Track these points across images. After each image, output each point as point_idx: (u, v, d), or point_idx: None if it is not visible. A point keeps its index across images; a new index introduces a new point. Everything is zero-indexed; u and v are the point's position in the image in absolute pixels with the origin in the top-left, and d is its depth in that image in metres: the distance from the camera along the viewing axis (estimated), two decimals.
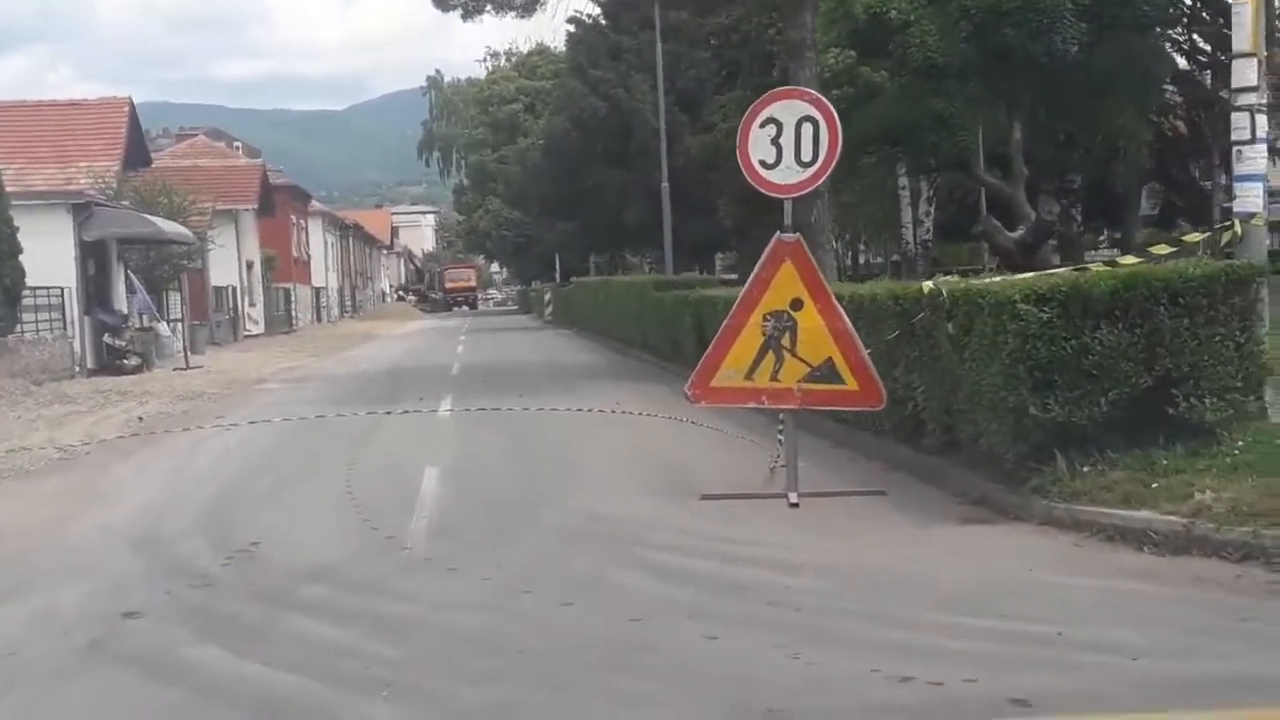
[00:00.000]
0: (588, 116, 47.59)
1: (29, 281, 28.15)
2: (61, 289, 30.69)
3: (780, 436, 11.22)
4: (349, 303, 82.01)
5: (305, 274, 66.50)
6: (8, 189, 32.88)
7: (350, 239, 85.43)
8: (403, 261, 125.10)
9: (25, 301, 28.40)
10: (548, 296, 59.49)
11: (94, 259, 33.22)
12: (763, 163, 10.81)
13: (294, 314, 60.93)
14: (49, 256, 29.46)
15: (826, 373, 10.64)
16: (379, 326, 62.69)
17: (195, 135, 63.58)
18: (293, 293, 61.21)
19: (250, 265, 52.46)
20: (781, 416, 11.02)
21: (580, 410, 18.06)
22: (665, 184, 35.87)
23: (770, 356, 10.73)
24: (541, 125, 51.92)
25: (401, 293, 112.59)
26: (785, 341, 10.70)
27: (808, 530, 9.38)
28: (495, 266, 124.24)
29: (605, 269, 66.87)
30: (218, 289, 47.00)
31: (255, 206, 51.09)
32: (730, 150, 33.04)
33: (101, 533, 10.30)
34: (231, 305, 48.82)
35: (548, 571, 8.42)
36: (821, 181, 10.96)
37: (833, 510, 10.12)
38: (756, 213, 40.75)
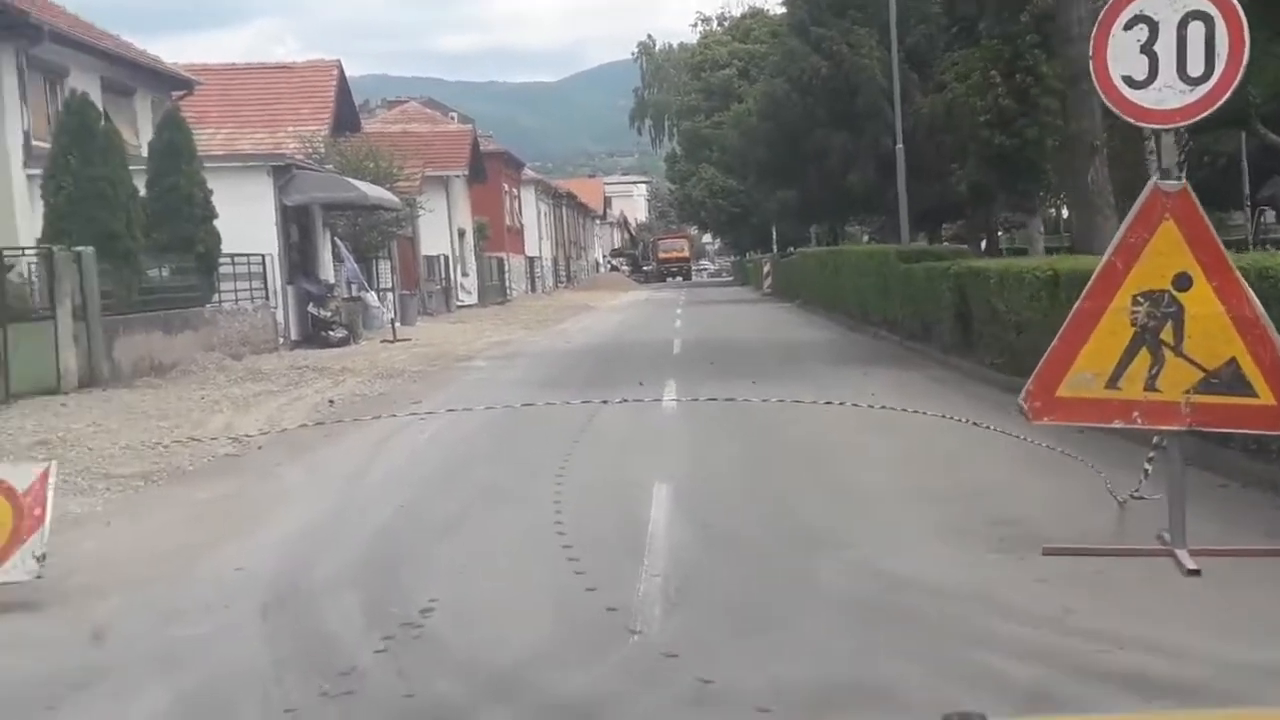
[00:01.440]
0: (809, 77, 44.22)
1: (229, 249, 26.21)
2: (263, 256, 28.77)
3: (1148, 465, 7.97)
4: (563, 273, 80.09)
5: (518, 243, 64.57)
6: (218, 152, 31.20)
7: (564, 208, 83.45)
8: (616, 231, 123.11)
9: (224, 269, 26.47)
10: (766, 268, 56.28)
11: (298, 225, 31.31)
12: (1128, 79, 7.52)
13: (507, 284, 58.99)
14: (250, 222, 27.55)
15: (1229, 380, 7.33)
16: (593, 297, 60.41)
17: (407, 103, 62.01)
18: (506, 262, 59.24)
19: (462, 233, 50.51)
20: (1158, 440, 7.76)
21: (829, 404, 14.95)
22: (900, 145, 32.34)
23: (1144, 356, 7.47)
24: (758, 89, 48.57)
25: (614, 261, 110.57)
26: (1166, 335, 7.43)
27: (1241, 623, 6.14)
28: (708, 237, 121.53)
29: (824, 239, 63.34)
30: (429, 258, 45.08)
31: (466, 172, 49.02)
32: (969, 108, 29.24)
33: (233, 581, 7.62)
34: (443, 274, 46.88)
35: (859, 697, 5.39)
36: (1216, 107, 7.59)
37: (1250, 582, 6.84)
38: (1002, 175, 36.97)
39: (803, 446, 12.46)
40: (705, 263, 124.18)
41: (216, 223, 25.52)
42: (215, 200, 25.52)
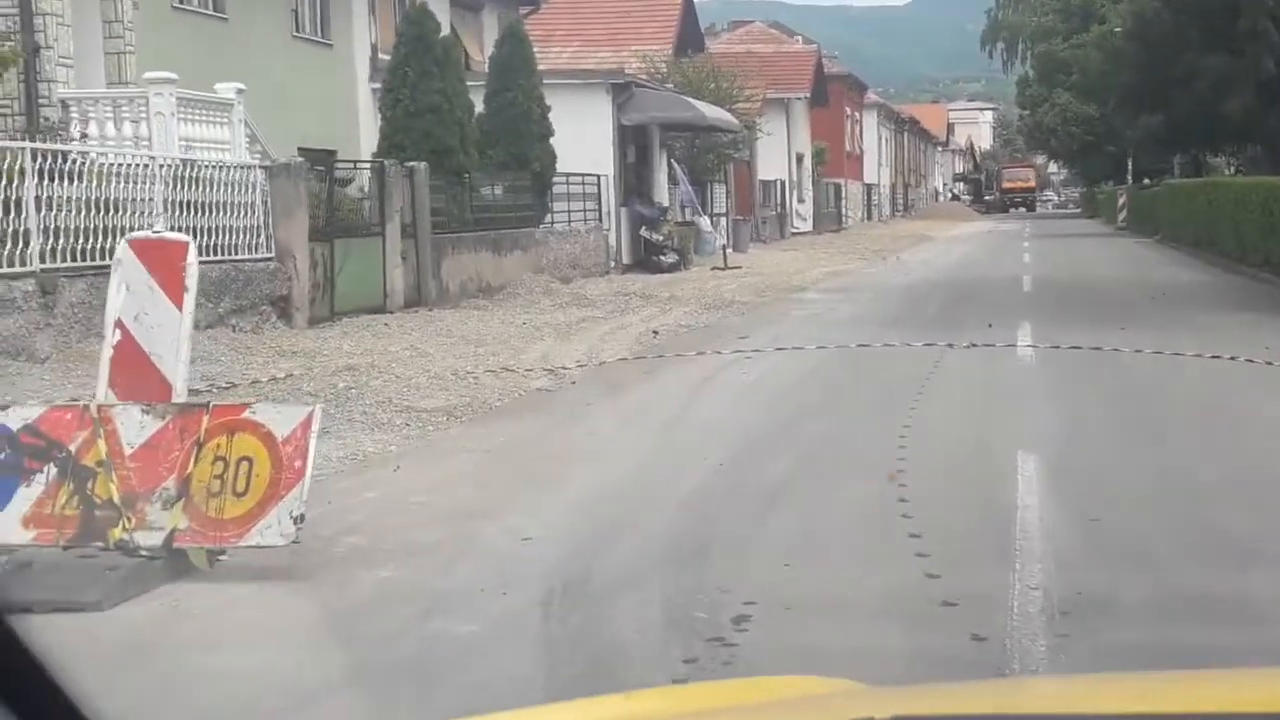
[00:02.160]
0: None
1: (563, 168, 25.43)
2: (598, 176, 27.91)
3: None
4: (900, 201, 77.37)
5: (857, 169, 62.37)
6: (564, 68, 30.59)
7: (905, 134, 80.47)
8: (957, 159, 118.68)
9: (557, 189, 25.73)
10: (1121, 199, 52.35)
11: (635, 145, 30.35)
12: None
13: (843, 211, 57.04)
14: (586, 141, 26.72)
15: None
16: (932, 227, 57.81)
17: (752, 24, 60.34)
18: (843, 189, 57.24)
19: (800, 158, 48.83)
20: None
21: (1217, 358, 12.81)
22: None
23: None
24: (1124, 7, 44.68)
25: (955, 189, 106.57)
26: None
27: None
28: (1053, 167, 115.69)
29: (1186, 170, 58.52)
30: (765, 183, 43.65)
31: (808, 95, 47.22)
32: None
33: (518, 557, 6.37)
34: (779, 200, 45.38)
35: None
36: None
37: None
38: None
39: (1195, 412, 10.45)
40: (1048, 194, 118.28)
41: (552, 141, 24.76)
42: (552, 118, 24.76)
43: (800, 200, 48.67)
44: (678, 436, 9.59)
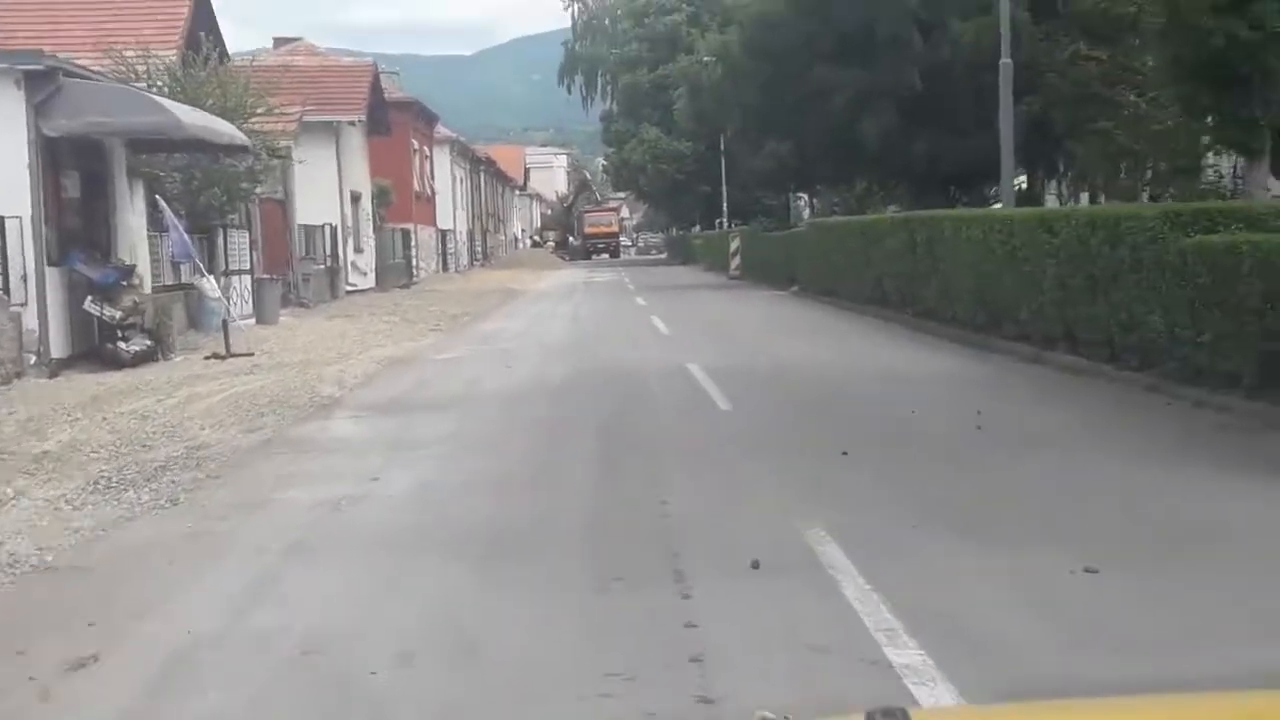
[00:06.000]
0: None
1: None
2: (0, 219, 16.49)
3: None
4: (479, 248, 67.54)
5: (429, 213, 51.93)
6: None
7: (482, 175, 70.71)
8: (535, 204, 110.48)
9: None
10: (735, 244, 43.94)
11: (78, 171, 18.96)
12: None
13: (414, 262, 46.49)
14: None
15: None
16: (517, 278, 48.10)
17: (297, 41, 48.87)
18: (413, 235, 46.68)
19: (357, 198, 37.97)
20: None
21: None
22: (1006, 60, 20.53)
23: None
24: (748, 10, 36.07)
25: (539, 236, 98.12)
26: None
27: None
28: (625, 212, 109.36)
29: (778, 212, 51.55)
30: (308, 228, 32.48)
31: (363, 118, 36.57)
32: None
33: None
34: (328, 251, 34.32)
35: None
36: None
37: None
38: (1099, 107, 25.32)
39: None
40: (622, 239, 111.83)
41: None
42: None
43: (359, 250, 37.76)
44: None
